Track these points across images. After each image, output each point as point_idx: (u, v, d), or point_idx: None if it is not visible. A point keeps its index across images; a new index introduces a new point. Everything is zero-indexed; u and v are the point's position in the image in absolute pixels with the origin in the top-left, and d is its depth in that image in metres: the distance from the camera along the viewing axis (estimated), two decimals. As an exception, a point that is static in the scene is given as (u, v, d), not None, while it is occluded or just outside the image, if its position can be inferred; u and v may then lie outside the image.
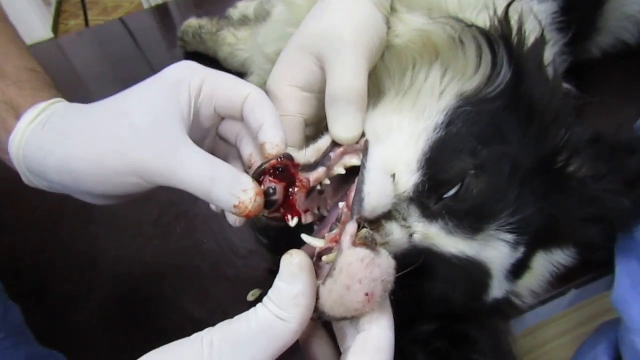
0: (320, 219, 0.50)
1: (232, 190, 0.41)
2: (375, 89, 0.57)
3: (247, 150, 0.48)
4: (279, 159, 0.44)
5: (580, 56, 0.77)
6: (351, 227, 0.40)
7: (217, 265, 0.69)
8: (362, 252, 0.38)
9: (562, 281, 0.59)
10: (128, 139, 0.42)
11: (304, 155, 0.46)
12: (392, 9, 0.59)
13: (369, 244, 0.39)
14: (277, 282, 0.38)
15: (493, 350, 0.50)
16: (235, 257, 0.69)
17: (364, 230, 0.40)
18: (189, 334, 0.38)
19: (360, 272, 0.37)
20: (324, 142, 0.49)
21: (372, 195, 0.42)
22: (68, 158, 0.44)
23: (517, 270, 0.53)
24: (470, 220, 0.46)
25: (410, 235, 0.46)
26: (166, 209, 0.76)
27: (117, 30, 1.22)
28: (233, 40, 1.00)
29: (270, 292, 0.38)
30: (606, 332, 0.62)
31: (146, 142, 0.42)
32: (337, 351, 0.43)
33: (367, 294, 0.37)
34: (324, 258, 0.40)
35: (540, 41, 0.55)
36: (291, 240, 0.53)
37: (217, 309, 0.64)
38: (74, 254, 0.73)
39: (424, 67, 0.54)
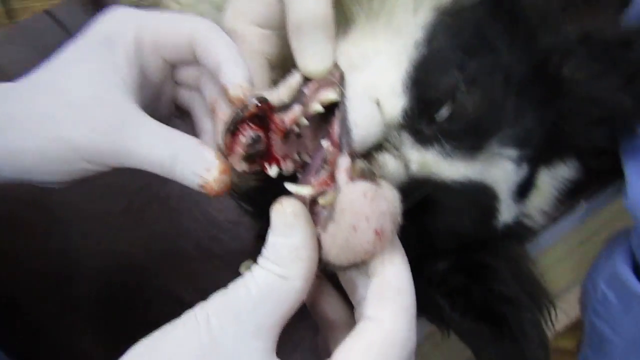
0: (303, 166, 0.46)
1: (195, 170, 0.37)
2: (343, 18, 0.52)
3: (211, 95, 0.43)
4: (258, 105, 0.39)
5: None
6: (344, 161, 0.36)
7: (201, 244, 0.64)
8: (364, 185, 0.34)
9: (570, 196, 0.56)
10: (68, 122, 0.37)
11: (277, 95, 0.42)
12: None
13: (368, 176, 0.35)
14: (272, 238, 0.34)
15: (515, 277, 0.47)
16: (219, 232, 0.64)
17: (359, 162, 0.36)
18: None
19: (366, 207, 0.33)
20: (294, 79, 0.44)
21: (359, 124, 0.38)
22: (5, 152, 0.39)
23: (524, 190, 0.50)
24: (469, 139, 0.43)
25: (406, 166, 0.42)
26: (135, 195, 0.70)
27: (46, 23, 1.12)
28: (176, 7, 0.93)
29: (264, 251, 0.34)
30: (619, 243, 0.61)
31: (89, 123, 0.37)
32: (350, 306, 0.39)
33: (377, 232, 0.33)
34: (320, 200, 0.36)
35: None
36: (276, 199, 0.49)
37: (210, 289, 0.58)
38: (39, 263, 0.66)
39: (392, -16, 0.49)
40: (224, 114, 0.40)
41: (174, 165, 0.37)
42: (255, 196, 0.56)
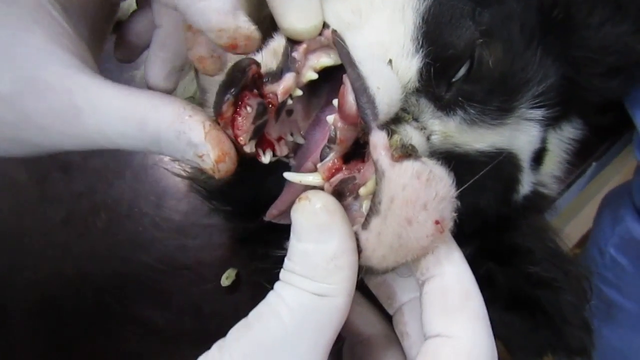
0: (294, 149, 0.38)
1: (184, 156, 0.30)
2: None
3: None
4: (254, 66, 0.30)
5: None
6: (381, 137, 0.29)
7: (167, 254, 0.55)
8: (415, 165, 0.27)
9: (579, 158, 0.52)
10: (21, 129, 0.30)
11: (262, 60, 0.33)
12: None
13: (413, 153, 0.28)
14: (298, 244, 0.27)
15: (548, 256, 0.42)
16: (188, 239, 0.55)
17: (397, 137, 0.29)
18: (161, 351, 0.26)
19: (422, 193, 0.27)
20: (278, 43, 0.36)
21: (383, 89, 0.30)
22: None
23: (539, 156, 0.46)
24: (495, 101, 0.37)
25: (428, 138, 0.36)
26: (74, 203, 0.59)
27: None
28: None
29: (289, 262, 0.27)
30: (623, 203, 0.58)
31: (41, 125, 0.29)
32: (384, 315, 0.33)
33: (437, 222, 0.26)
34: (361, 191, 0.29)
35: None
36: (262, 192, 0.41)
37: (186, 308, 0.50)
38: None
39: None
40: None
41: (159, 148, 0.30)
42: (230, 192, 0.48)
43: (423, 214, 0.27)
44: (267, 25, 0.40)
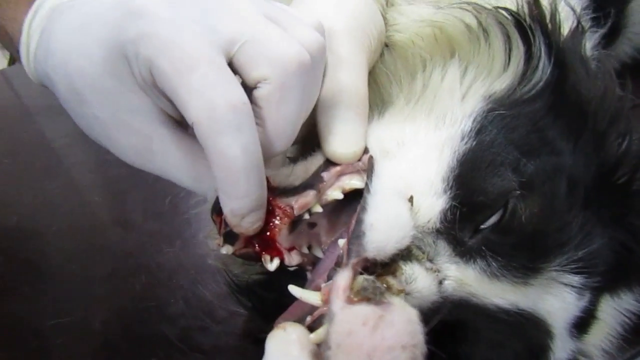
0: (314, 262, 0.40)
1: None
2: (378, 98, 0.48)
3: None
4: None
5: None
6: (343, 278, 0.29)
7: (188, 333, 0.56)
8: (363, 310, 0.28)
9: (637, 335, 0.47)
10: (101, 130, 0.36)
11: (289, 174, 0.36)
12: (389, 3, 0.51)
13: (373, 296, 0.28)
14: None
15: None
16: (212, 322, 0.57)
17: (361, 278, 0.29)
18: None
19: (366, 341, 0.27)
20: (315, 161, 0.39)
21: (378, 227, 0.32)
22: None
23: (583, 323, 0.42)
24: (521, 258, 0.36)
25: (440, 282, 0.35)
26: (122, 261, 0.64)
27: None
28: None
29: None
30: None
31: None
32: None
33: None
34: (311, 337, 0.30)
35: (580, 29, 0.47)
36: (283, 297, 0.42)
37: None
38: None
39: (437, 67, 0.46)
40: None
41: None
42: (258, 291, 0.50)
43: None
44: (314, 142, 0.44)
